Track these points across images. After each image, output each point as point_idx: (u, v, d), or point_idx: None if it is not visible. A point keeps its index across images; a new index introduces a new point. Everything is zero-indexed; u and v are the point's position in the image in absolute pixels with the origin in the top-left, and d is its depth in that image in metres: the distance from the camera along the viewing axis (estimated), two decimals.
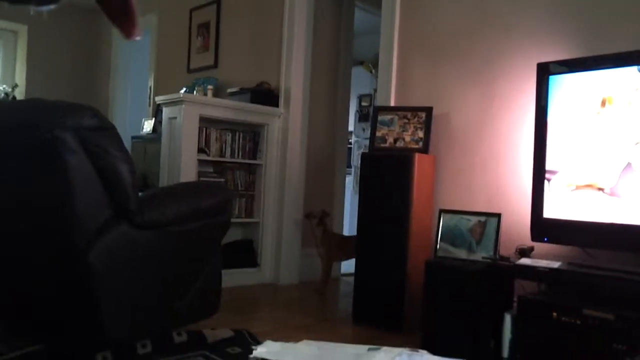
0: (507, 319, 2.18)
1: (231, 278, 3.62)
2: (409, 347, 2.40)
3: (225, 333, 2.38)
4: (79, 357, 1.99)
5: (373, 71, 6.08)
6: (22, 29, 6.26)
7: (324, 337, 2.64)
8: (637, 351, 1.85)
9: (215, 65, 4.72)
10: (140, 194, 2.13)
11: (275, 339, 2.34)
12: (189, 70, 5.03)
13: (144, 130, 5.14)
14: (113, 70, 6.26)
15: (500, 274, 2.29)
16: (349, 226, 5.13)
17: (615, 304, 1.93)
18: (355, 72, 4.95)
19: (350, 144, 5.85)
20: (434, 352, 1.32)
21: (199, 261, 2.43)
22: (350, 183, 5.64)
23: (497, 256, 2.40)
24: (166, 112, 3.69)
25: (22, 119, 1.99)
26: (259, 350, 1.12)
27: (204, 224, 2.33)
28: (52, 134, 1.85)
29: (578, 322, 1.94)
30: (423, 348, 2.37)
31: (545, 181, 2.31)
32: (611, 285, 1.93)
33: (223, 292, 2.59)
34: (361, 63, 6.25)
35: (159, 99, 3.77)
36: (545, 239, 2.30)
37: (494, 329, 2.22)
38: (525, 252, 2.31)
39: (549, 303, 2.06)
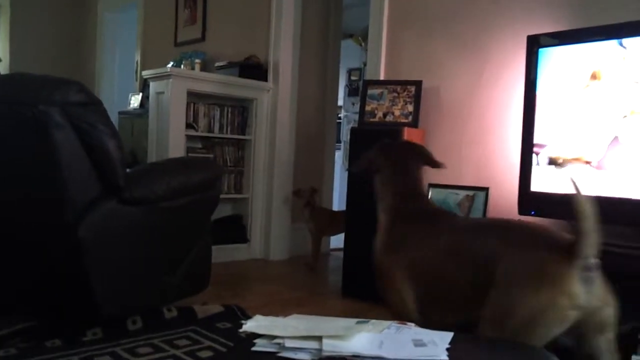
0: None
1: (221, 254, 3.63)
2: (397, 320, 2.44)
3: (216, 308, 2.40)
4: (70, 333, 1.99)
5: (363, 44, 6.03)
6: (5, 2, 6.12)
7: (313, 311, 2.67)
8: (620, 321, 1.89)
9: (203, 38, 4.65)
10: (128, 170, 2.12)
11: (265, 314, 2.36)
12: (176, 44, 4.95)
13: (131, 105, 5.08)
14: (99, 44, 6.16)
15: None
16: (338, 201, 5.14)
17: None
18: (344, 45, 4.91)
19: (340, 118, 5.82)
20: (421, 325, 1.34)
21: (188, 237, 2.43)
22: (340, 158, 5.64)
23: None
24: (153, 86, 3.65)
25: (7, 94, 1.95)
26: (248, 325, 1.13)
27: (193, 200, 2.33)
28: (38, 109, 1.83)
29: None
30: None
31: (533, 155, 2.32)
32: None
33: (213, 268, 2.60)
34: (350, 36, 6.19)
35: (146, 73, 3.72)
36: (532, 212, 2.32)
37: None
38: None
39: None
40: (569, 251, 1.33)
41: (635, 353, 1.85)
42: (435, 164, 1.92)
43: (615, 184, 2.06)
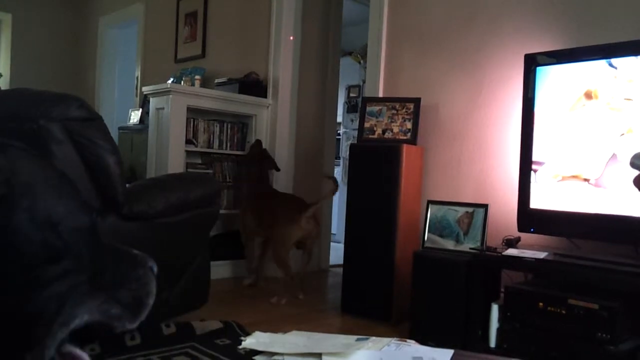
0: (494, 308, 2.21)
1: (220, 270, 3.62)
2: (397, 337, 2.43)
3: (214, 325, 2.38)
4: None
5: (362, 62, 6.07)
6: (6, 17, 6.17)
7: (312, 327, 2.66)
8: (621, 340, 1.88)
9: (203, 55, 4.69)
10: (127, 185, 2.12)
11: (264, 330, 2.35)
12: (177, 60, 4.99)
13: (131, 121, 5.10)
14: (99, 59, 6.20)
15: (487, 265, 2.31)
16: (337, 217, 5.14)
17: (599, 294, 1.96)
18: (343, 62, 4.95)
19: (339, 134, 5.84)
20: (422, 342, 1.33)
21: (187, 252, 2.42)
22: (339, 174, 5.65)
23: (484, 247, 2.43)
24: (153, 102, 3.66)
25: (7, 109, 1.96)
26: (247, 341, 1.12)
27: (193, 216, 2.32)
28: (38, 125, 1.83)
29: (563, 311, 1.97)
30: (411, 338, 2.39)
31: (532, 172, 2.33)
32: (596, 276, 1.95)
33: (211, 284, 2.59)
34: (350, 54, 6.23)
35: (146, 89, 3.74)
36: (532, 230, 2.32)
37: (481, 319, 2.25)
38: (512, 242, 2.33)
39: (535, 293, 2.08)
40: (304, 208, 3.10)
41: None
42: (277, 168, 3.64)
43: (613, 201, 2.07)
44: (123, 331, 0.65)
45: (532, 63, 2.37)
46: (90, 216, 0.71)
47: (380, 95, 3.25)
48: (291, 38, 3.96)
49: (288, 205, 3.22)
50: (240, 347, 1.15)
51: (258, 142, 3.69)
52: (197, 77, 4.31)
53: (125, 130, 4.97)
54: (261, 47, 4.10)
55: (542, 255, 2.11)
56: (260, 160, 3.57)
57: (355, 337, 1.16)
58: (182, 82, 4.33)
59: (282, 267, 3.18)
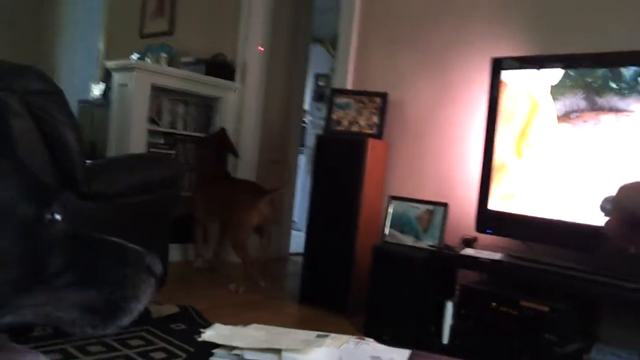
0: (449, 306, 2.26)
1: (177, 253, 3.58)
2: (353, 329, 2.46)
3: (171, 309, 2.36)
4: (20, 333, 1.92)
5: (331, 51, 6.05)
6: None
7: (270, 315, 2.66)
8: (568, 342, 1.96)
9: (170, 32, 4.57)
10: (87, 162, 2.07)
11: (219, 316, 2.34)
12: (142, 36, 4.84)
13: (93, 94, 4.94)
14: (60, 29, 5.97)
15: (444, 263, 2.36)
16: (299, 205, 5.14)
17: (550, 297, 2.03)
18: (313, 50, 4.92)
19: (305, 123, 5.82)
20: (376, 336, 1.35)
21: (146, 234, 2.38)
22: (303, 163, 5.64)
23: (442, 245, 2.47)
24: (116, 78, 3.56)
25: None
26: (207, 334, 1.11)
27: (153, 197, 2.28)
28: None
29: (515, 312, 2.03)
30: (365, 330, 2.43)
31: (492, 173, 2.38)
32: (547, 279, 2.02)
33: (169, 267, 2.55)
34: (320, 41, 6.20)
35: (109, 64, 3.64)
36: (489, 231, 2.38)
37: (435, 316, 2.29)
38: (469, 242, 2.38)
39: (488, 293, 2.14)
40: (262, 193, 3.14)
41: None
42: (236, 153, 3.65)
43: (569, 208, 2.13)
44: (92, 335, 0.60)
45: (498, 66, 2.41)
46: (38, 206, 0.61)
47: (349, 87, 3.25)
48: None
49: (246, 190, 3.24)
50: (199, 339, 1.14)
51: (222, 129, 3.65)
52: (163, 54, 4.19)
53: (86, 103, 4.82)
54: (231, 28, 4.02)
55: (497, 256, 2.17)
56: (219, 143, 3.54)
57: (316, 333, 1.17)
58: (147, 58, 4.21)
59: (241, 252, 3.15)
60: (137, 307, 0.64)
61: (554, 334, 1.93)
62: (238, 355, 1.06)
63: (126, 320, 0.64)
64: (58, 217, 0.63)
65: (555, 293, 2.05)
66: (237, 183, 3.44)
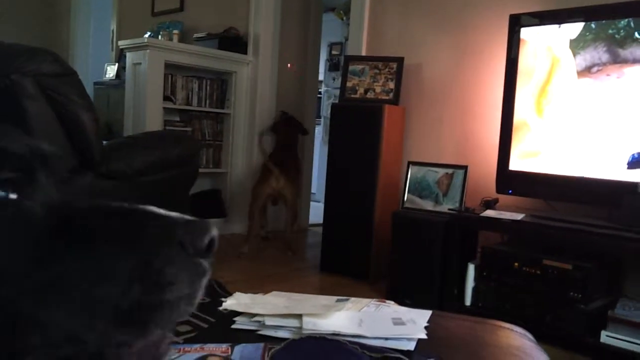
0: (471, 268, 2.25)
1: None
2: (375, 296, 2.47)
3: None
4: None
5: (344, 18, 5.96)
6: None
7: (292, 286, 2.68)
8: (591, 299, 1.94)
9: (181, 8, 4.54)
10: (105, 142, 2.08)
11: (244, 289, 2.36)
12: (154, 14, 4.83)
13: (107, 75, 4.96)
14: (73, 11, 5.97)
15: (465, 225, 2.34)
16: (317, 177, 5.14)
17: (573, 255, 2.00)
18: (326, 18, 4.85)
19: (320, 93, 5.78)
20: (399, 301, 1.35)
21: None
22: (320, 133, 5.61)
23: (463, 208, 2.45)
24: (130, 57, 3.56)
25: None
26: (228, 302, 1.12)
27: (171, 175, 2.30)
28: (11, 80, 1.77)
29: (538, 272, 2.02)
30: (388, 296, 2.44)
31: (512, 133, 2.34)
32: (570, 237, 1.99)
33: None
34: (332, 9, 6.10)
35: (122, 43, 3.63)
36: (510, 192, 2.35)
37: (457, 278, 2.29)
38: (490, 204, 2.36)
39: (511, 253, 2.12)
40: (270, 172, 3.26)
41: (604, 329, 1.91)
42: (305, 131, 3.89)
43: (591, 164, 2.09)
44: None
45: (516, 23, 2.34)
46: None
47: (363, 53, 3.21)
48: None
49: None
50: (220, 307, 1.15)
51: (282, 112, 3.84)
52: (175, 31, 4.18)
53: (101, 85, 4.84)
54: (241, 2, 3.98)
55: (519, 216, 2.14)
56: (285, 127, 3.73)
57: (336, 297, 1.17)
58: (160, 36, 4.20)
59: (248, 220, 3.39)
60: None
61: (578, 291, 1.92)
62: (259, 322, 1.07)
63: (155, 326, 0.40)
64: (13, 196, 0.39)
65: (579, 251, 2.02)
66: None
